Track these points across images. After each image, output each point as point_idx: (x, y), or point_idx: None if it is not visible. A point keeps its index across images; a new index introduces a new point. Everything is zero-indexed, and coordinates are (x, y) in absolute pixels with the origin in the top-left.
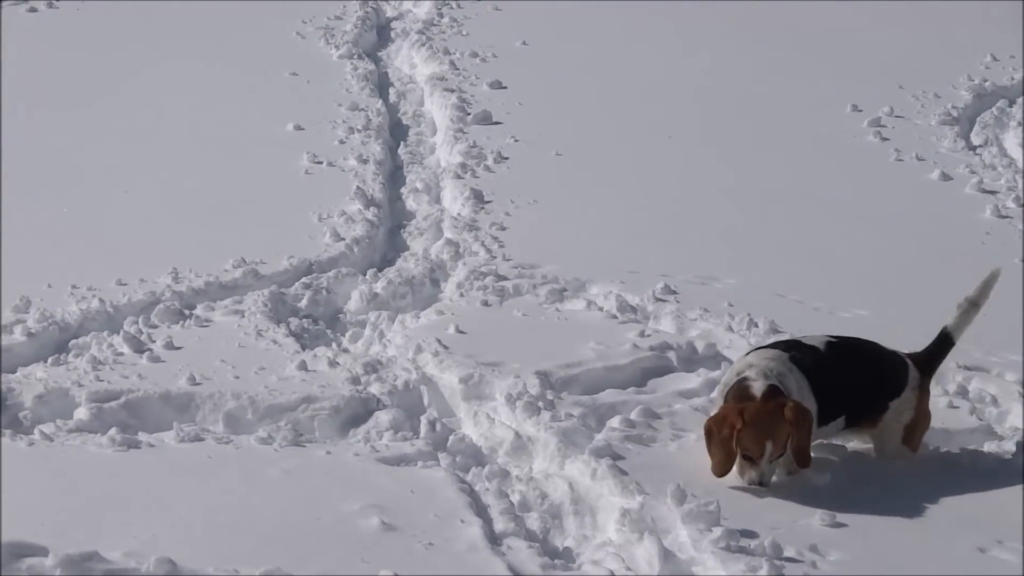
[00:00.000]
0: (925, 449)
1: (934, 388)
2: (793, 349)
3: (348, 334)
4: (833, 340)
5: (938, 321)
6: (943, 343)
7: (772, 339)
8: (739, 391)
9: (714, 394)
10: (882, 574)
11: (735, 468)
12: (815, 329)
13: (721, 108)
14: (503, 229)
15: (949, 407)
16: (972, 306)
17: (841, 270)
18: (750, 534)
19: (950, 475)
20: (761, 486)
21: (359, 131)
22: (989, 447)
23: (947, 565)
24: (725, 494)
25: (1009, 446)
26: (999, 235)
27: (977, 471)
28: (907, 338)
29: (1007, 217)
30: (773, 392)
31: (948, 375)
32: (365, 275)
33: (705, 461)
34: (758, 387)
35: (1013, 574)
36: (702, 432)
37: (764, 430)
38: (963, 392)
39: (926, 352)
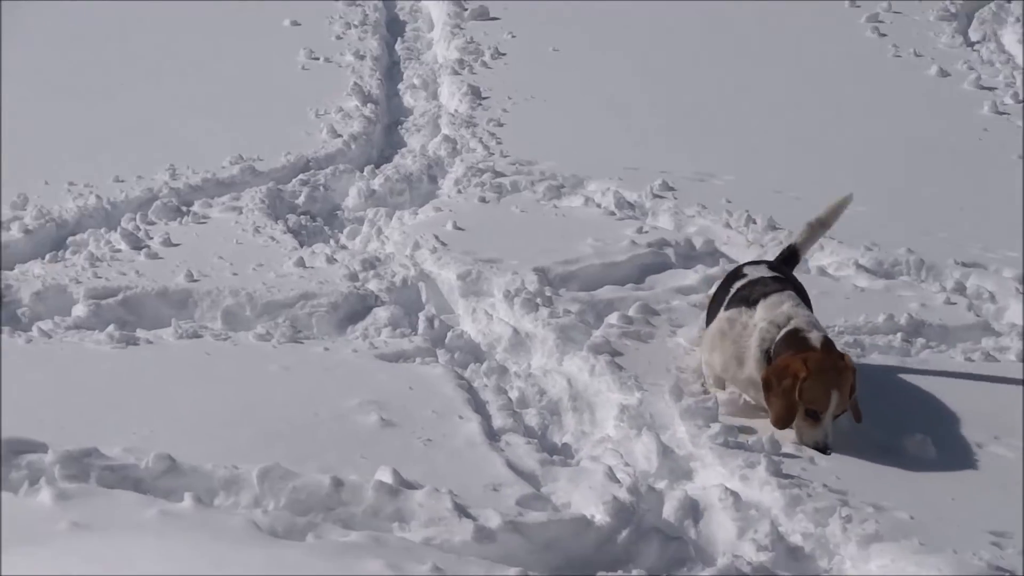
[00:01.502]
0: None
1: (929, 284)
2: (794, 292)
3: (346, 231)
4: (781, 276)
5: (935, 217)
6: (790, 259)
7: (770, 236)
8: (794, 342)
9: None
10: (880, 465)
11: (795, 429)
12: None
13: (720, 3)
14: (500, 125)
15: (947, 303)
16: (820, 226)
17: (840, 166)
18: (748, 430)
19: (946, 374)
20: (825, 450)
21: (356, 26)
22: (987, 343)
23: (944, 461)
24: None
25: (1006, 342)
26: (997, 131)
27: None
28: (905, 234)
29: (1005, 113)
30: (830, 344)
31: (946, 271)
32: (363, 172)
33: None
34: (815, 337)
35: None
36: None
37: (831, 380)
38: (960, 288)
39: (776, 264)
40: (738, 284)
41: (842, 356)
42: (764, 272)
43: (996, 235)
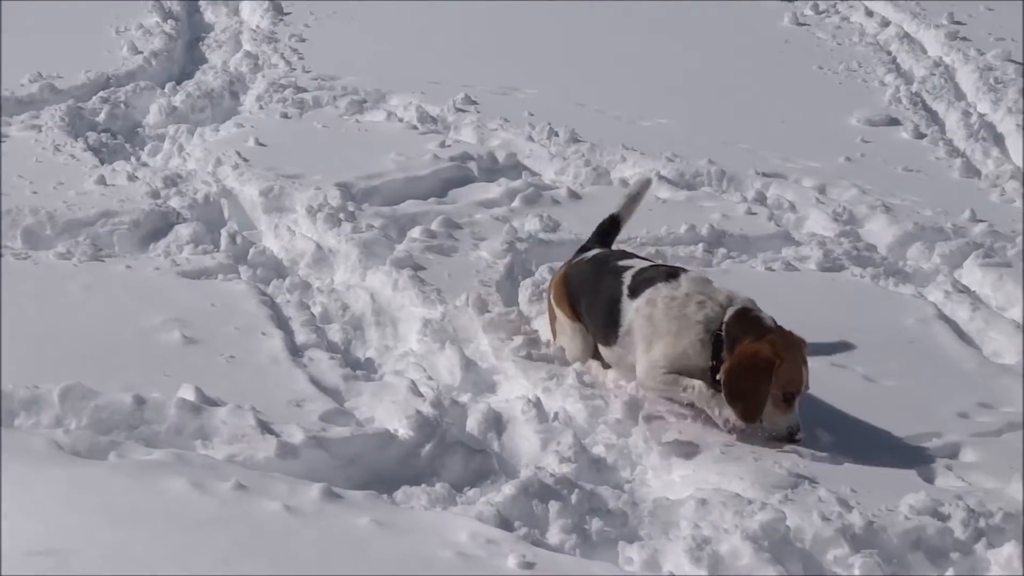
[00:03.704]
0: (724, 259)
1: (730, 195)
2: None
3: (147, 148)
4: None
5: (736, 129)
6: (612, 226)
7: (572, 148)
8: (748, 323)
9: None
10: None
11: (766, 418)
12: (616, 137)
13: None
14: (302, 41)
15: (748, 213)
16: (635, 199)
17: (642, 80)
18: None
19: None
20: (797, 440)
21: None
22: (787, 252)
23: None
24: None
25: (806, 251)
26: (797, 43)
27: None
28: (706, 146)
29: (805, 25)
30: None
31: (747, 182)
32: (164, 88)
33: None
34: (767, 317)
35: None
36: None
37: (800, 359)
38: (761, 199)
39: (598, 233)
40: (628, 274)
41: (793, 333)
42: (647, 261)
43: (796, 146)
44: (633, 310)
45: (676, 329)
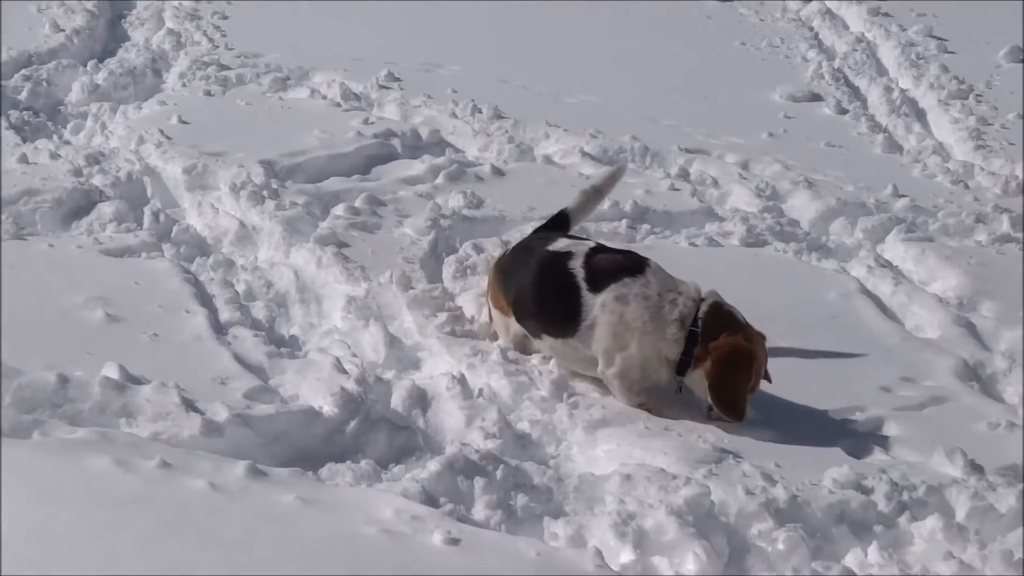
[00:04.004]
0: (647, 235)
1: (653, 171)
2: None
3: (69, 126)
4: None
5: (659, 105)
6: (559, 224)
7: (496, 125)
8: (725, 319)
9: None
10: None
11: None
12: (540, 114)
13: None
14: (225, 18)
15: (671, 189)
16: (596, 193)
17: (565, 56)
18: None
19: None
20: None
21: None
22: (710, 228)
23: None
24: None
25: (729, 227)
26: (720, 19)
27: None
28: (629, 122)
29: (727, 1)
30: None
31: (670, 158)
32: (86, 66)
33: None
34: (736, 310)
35: None
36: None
37: (764, 349)
38: (684, 174)
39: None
40: (576, 262)
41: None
42: (580, 241)
43: (719, 122)
44: (599, 305)
45: (652, 329)
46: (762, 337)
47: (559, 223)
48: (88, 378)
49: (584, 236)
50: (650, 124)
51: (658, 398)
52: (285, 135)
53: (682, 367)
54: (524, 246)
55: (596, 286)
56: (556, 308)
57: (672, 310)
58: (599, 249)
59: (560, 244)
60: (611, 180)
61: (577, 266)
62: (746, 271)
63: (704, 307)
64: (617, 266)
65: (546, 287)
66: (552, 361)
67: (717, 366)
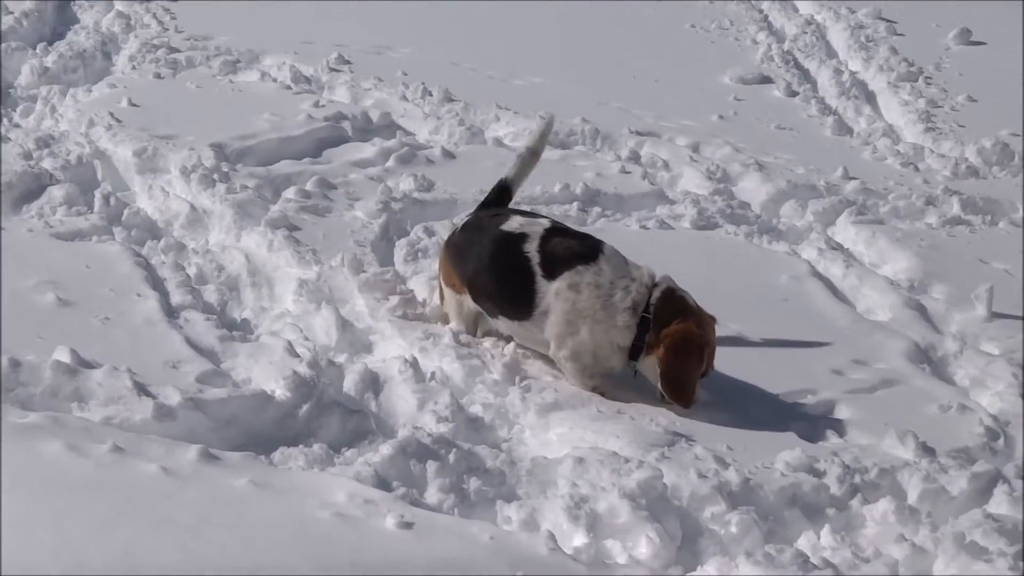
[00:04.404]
0: (598, 218)
1: (604, 153)
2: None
3: (19, 109)
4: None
5: (610, 87)
6: (501, 195)
7: (446, 108)
8: (677, 305)
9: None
10: None
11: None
12: (490, 96)
13: None
14: (175, 0)
15: (622, 172)
16: (532, 155)
17: (515, 39)
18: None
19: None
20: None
21: None
22: (661, 211)
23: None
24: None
25: (680, 210)
26: (669, 1)
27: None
28: (580, 104)
29: None
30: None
31: (621, 140)
32: (35, 49)
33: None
34: (688, 296)
35: None
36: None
37: (715, 339)
38: (635, 157)
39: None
40: (531, 245)
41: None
42: (534, 221)
43: (669, 104)
44: (553, 292)
45: (604, 317)
46: (713, 320)
47: (500, 194)
48: (39, 362)
49: (536, 213)
50: (600, 107)
51: (611, 381)
52: (236, 118)
53: (635, 353)
54: (475, 224)
55: (550, 272)
56: (511, 293)
57: (624, 297)
58: (554, 231)
59: (514, 224)
60: (542, 138)
61: (532, 250)
62: (697, 254)
63: (656, 293)
64: (571, 252)
65: (502, 271)
66: (505, 345)
67: (669, 353)
